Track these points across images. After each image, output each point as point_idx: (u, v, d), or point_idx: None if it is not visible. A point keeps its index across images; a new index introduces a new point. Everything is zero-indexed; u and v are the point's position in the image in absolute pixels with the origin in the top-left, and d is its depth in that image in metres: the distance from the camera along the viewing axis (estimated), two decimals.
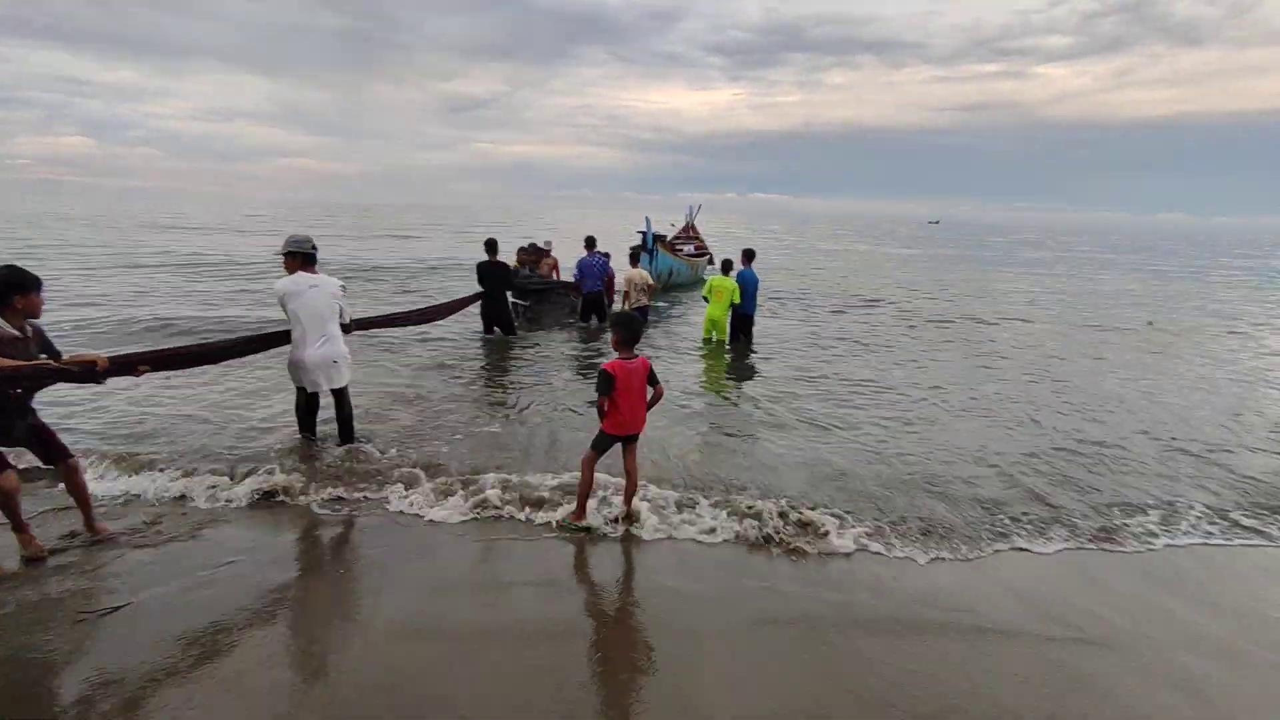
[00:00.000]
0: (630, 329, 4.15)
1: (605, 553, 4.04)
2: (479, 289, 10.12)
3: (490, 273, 10.12)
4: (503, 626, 3.23)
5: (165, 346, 5.90)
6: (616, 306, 11.23)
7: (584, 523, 4.24)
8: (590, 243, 11.59)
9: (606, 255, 11.57)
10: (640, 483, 4.50)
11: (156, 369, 4.84)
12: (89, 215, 40.32)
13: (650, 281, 11.17)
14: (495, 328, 10.27)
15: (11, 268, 3.57)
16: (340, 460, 5.17)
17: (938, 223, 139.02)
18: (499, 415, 6.53)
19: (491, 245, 10.26)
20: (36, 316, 3.66)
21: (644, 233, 14.29)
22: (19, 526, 3.70)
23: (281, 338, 5.44)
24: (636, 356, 4.15)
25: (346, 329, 5.41)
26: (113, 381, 4.53)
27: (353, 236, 33.96)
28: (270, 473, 4.77)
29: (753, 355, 9.66)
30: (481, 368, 8.55)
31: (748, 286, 10.02)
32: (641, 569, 3.88)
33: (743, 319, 10.21)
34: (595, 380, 4.19)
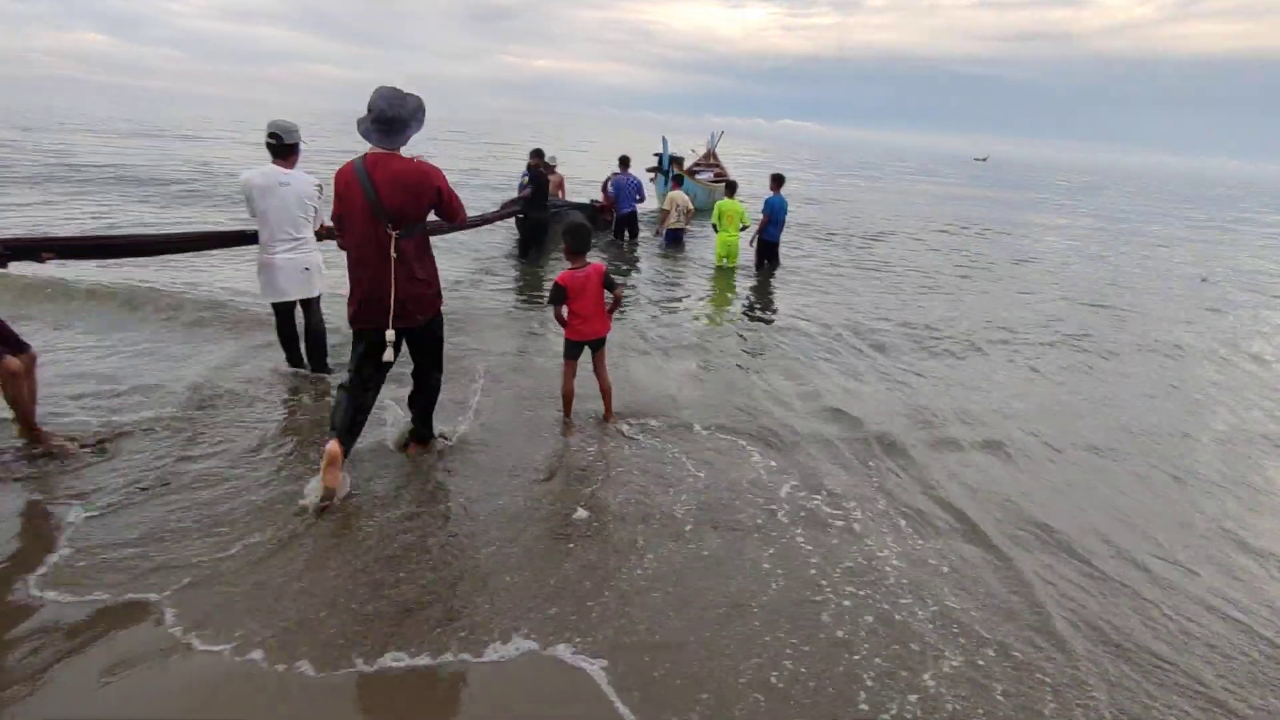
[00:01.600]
0: (578, 238, 4.32)
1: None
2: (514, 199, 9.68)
3: (538, 182, 9.80)
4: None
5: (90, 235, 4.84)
6: (625, 229, 11.56)
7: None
8: (624, 162, 11.76)
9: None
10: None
11: (67, 256, 4.26)
12: (113, 119, 39.61)
13: (690, 206, 11.28)
14: (531, 250, 9.81)
15: None
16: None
17: (985, 159, 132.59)
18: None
19: (538, 153, 10.24)
20: None
21: (660, 154, 14.07)
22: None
23: (235, 238, 4.93)
24: (587, 264, 4.32)
25: (319, 236, 4.79)
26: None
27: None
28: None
29: (772, 283, 9.66)
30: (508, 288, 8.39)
31: (776, 213, 10.00)
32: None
33: (767, 246, 10.22)
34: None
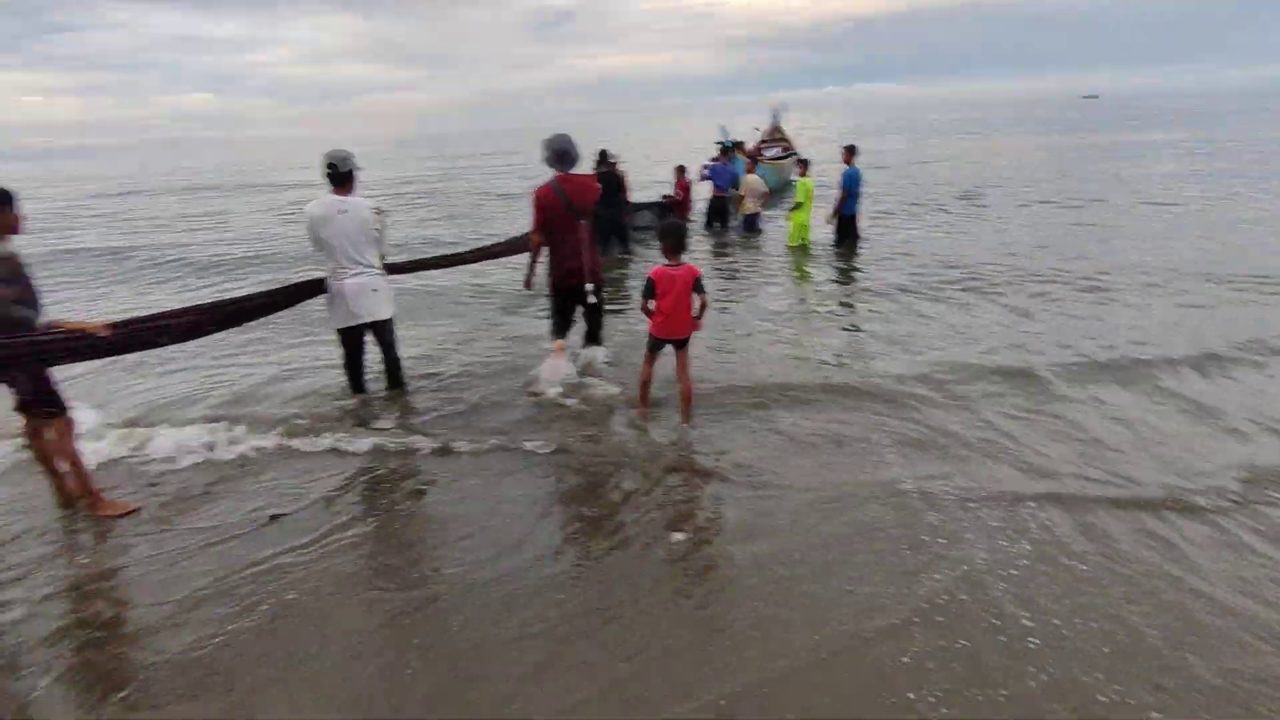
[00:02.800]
0: (675, 238, 4.38)
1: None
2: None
3: (606, 181, 9.83)
4: None
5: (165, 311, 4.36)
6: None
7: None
8: (724, 150, 12.68)
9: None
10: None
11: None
12: (201, 171, 43.11)
13: (764, 189, 11.03)
14: (613, 237, 9.90)
15: None
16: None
17: (1096, 98, 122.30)
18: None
19: (604, 156, 10.44)
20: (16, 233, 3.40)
21: (721, 142, 13.85)
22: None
23: (307, 289, 4.88)
24: (682, 264, 4.33)
25: (389, 268, 4.90)
26: None
27: (441, 164, 34.59)
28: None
29: (854, 263, 9.15)
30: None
31: (853, 185, 9.57)
32: None
33: (847, 221, 9.78)
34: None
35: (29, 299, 3.45)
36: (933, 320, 6.60)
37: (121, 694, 2.50)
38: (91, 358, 3.92)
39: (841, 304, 7.38)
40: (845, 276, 8.54)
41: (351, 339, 4.88)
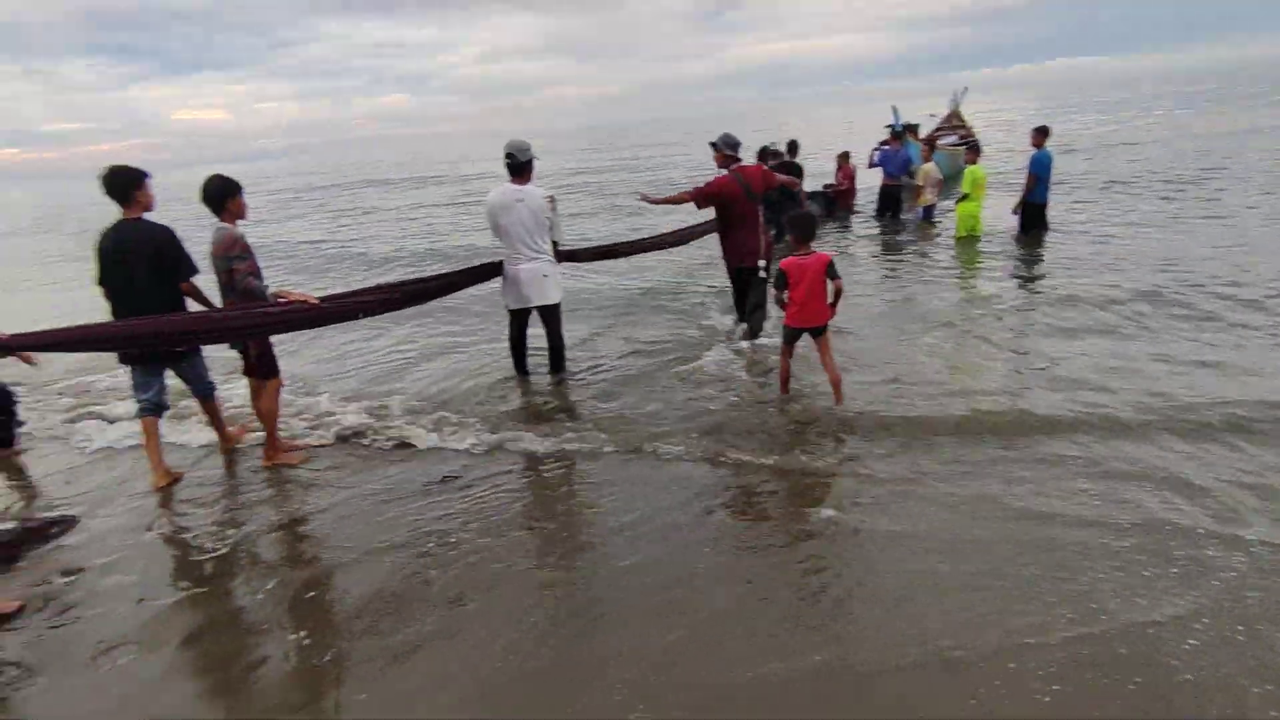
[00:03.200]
0: (802, 228, 4.48)
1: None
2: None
3: (791, 171, 10.06)
4: None
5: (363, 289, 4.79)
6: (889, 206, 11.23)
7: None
8: (896, 135, 12.11)
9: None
10: None
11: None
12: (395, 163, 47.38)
13: (940, 177, 10.66)
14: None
15: (220, 175, 3.98)
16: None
17: None
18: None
19: (793, 147, 10.65)
20: (244, 218, 4.03)
21: (892, 125, 13.13)
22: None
23: (484, 272, 5.14)
24: (812, 253, 4.41)
25: (560, 256, 5.10)
26: None
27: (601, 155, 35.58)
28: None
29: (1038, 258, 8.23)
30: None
31: (1044, 170, 8.70)
32: None
33: (1035, 209, 8.95)
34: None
35: (257, 272, 4.00)
36: (1132, 340, 5.34)
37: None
38: (307, 328, 4.46)
39: (1017, 309, 6.31)
40: (1026, 276, 7.53)
41: (518, 320, 5.17)
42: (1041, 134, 8.72)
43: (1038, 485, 3.42)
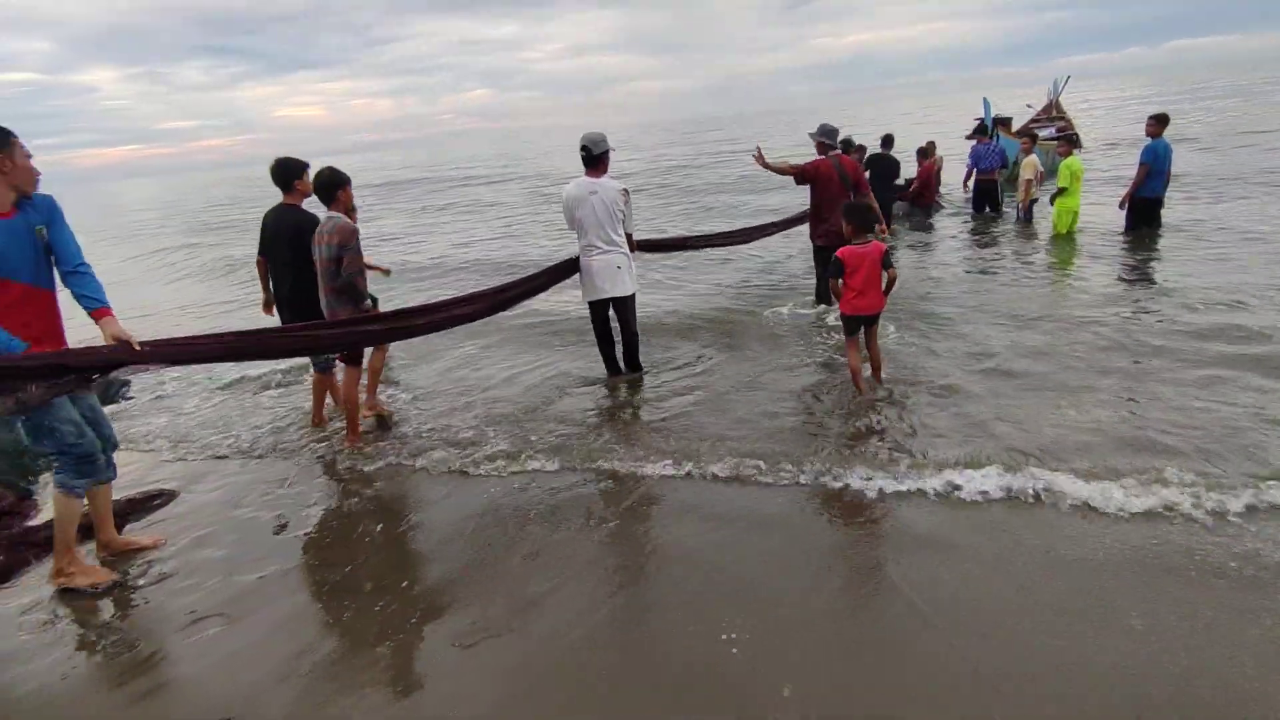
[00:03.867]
0: (861, 218, 4.60)
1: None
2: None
3: (887, 165, 10.15)
4: None
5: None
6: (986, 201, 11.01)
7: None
8: (983, 130, 11.80)
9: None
10: None
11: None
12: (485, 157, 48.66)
13: (1042, 169, 10.10)
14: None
15: (330, 168, 4.39)
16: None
17: None
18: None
19: (888, 140, 10.68)
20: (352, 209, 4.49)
21: (982, 118, 12.59)
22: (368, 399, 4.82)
23: (563, 270, 5.19)
24: (869, 242, 4.52)
25: (632, 246, 5.10)
26: None
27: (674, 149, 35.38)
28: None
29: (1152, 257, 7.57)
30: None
31: (1160, 162, 8.02)
32: None
33: (1147, 204, 8.29)
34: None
35: (363, 271, 4.33)
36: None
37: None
38: (406, 338, 4.85)
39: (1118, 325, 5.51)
40: (1135, 280, 6.83)
41: (598, 313, 5.17)
42: (1159, 123, 8.04)
43: None
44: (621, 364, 5.33)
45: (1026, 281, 7.11)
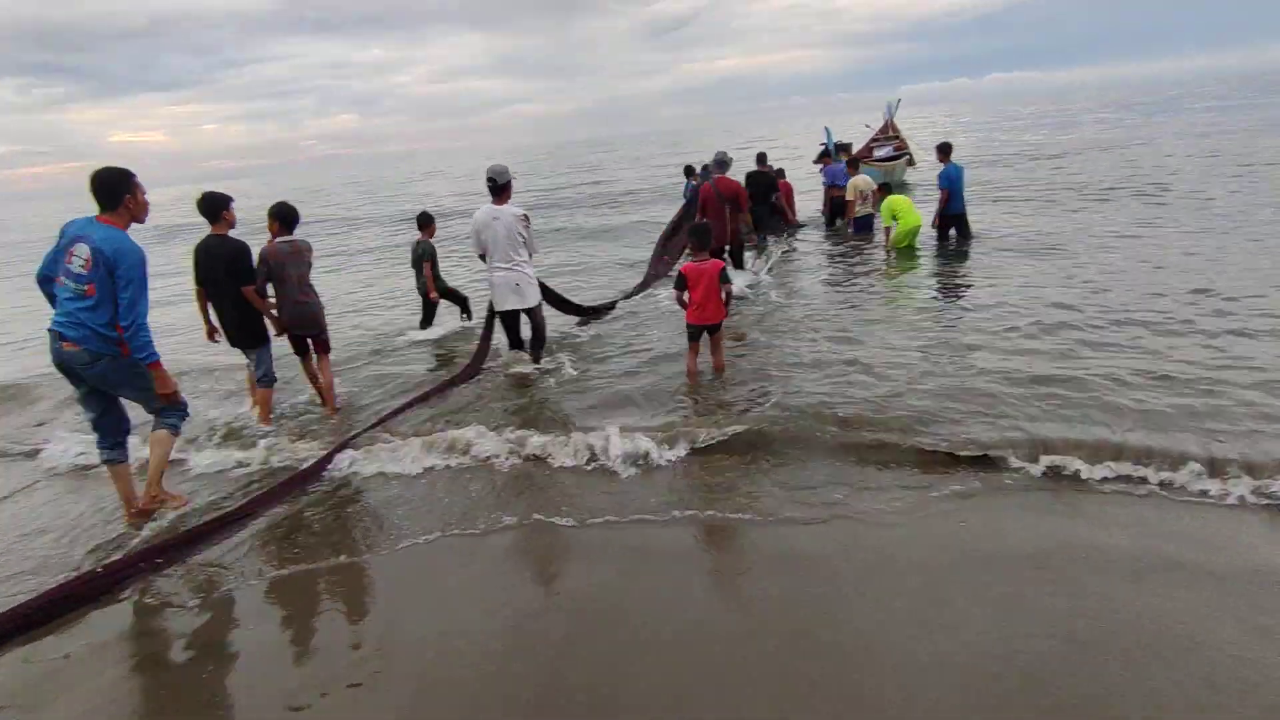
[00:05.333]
0: (699, 238, 5.08)
1: None
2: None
3: (761, 181, 10.82)
4: None
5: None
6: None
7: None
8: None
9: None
10: None
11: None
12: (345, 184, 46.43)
13: (873, 187, 11.00)
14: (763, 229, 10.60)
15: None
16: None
17: None
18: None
19: (761, 158, 11.40)
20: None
21: (825, 144, 14.05)
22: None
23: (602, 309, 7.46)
24: (708, 260, 4.98)
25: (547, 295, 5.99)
26: None
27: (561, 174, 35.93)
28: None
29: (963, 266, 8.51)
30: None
31: (954, 183, 9.14)
32: None
33: (955, 219, 9.37)
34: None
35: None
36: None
37: None
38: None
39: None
40: (949, 283, 7.83)
41: (506, 319, 5.90)
42: (944, 151, 9.25)
43: None
44: (528, 350, 6.02)
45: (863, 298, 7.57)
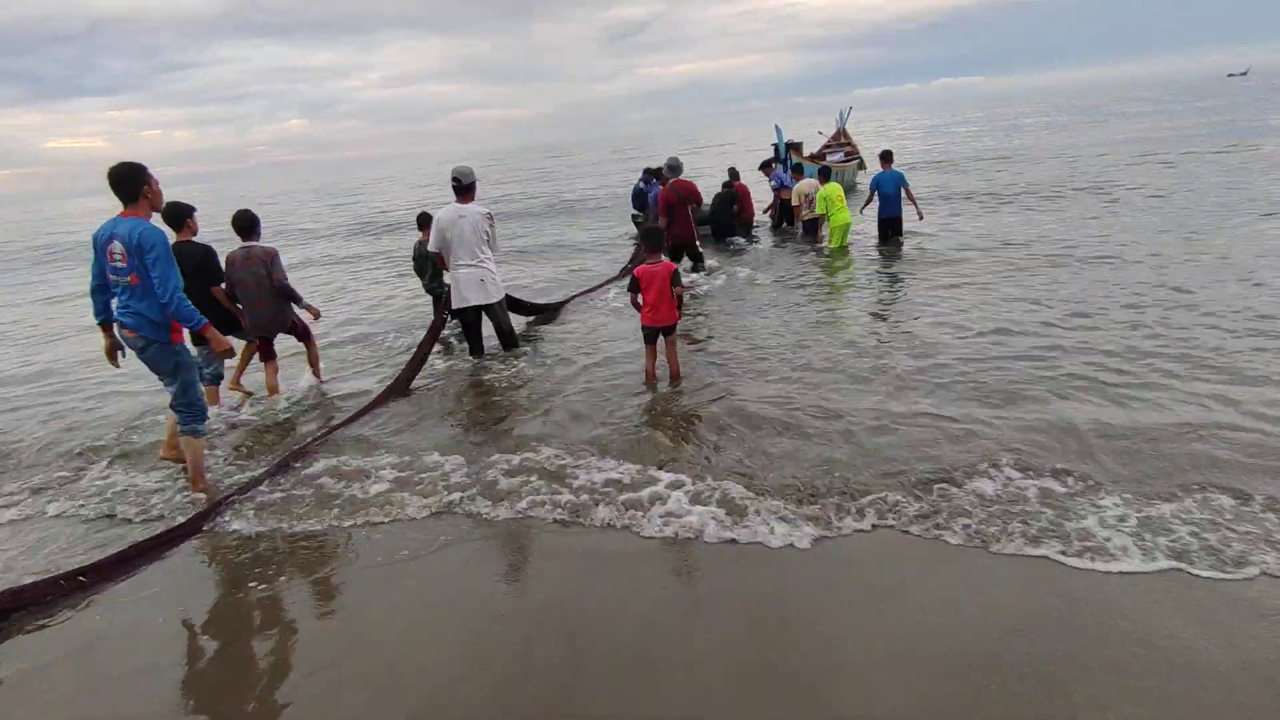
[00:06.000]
0: (652, 240, 5.14)
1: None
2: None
3: (727, 196, 11.47)
4: None
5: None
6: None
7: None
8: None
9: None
10: None
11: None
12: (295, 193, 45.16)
13: (804, 194, 10.86)
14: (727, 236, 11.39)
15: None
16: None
17: (1245, 74, 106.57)
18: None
19: (733, 173, 12.13)
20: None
21: (776, 144, 14.10)
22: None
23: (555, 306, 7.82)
24: (660, 262, 4.99)
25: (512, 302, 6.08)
26: None
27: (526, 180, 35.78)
28: None
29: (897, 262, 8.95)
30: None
31: (884, 186, 9.58)
32: None
33: (889, 222, 9.79)
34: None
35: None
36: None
37: None
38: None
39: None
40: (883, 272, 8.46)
41: (465, 316, 5.98)
42: (885, 158, 9.77)
43: None
44: (500, 346, 6.20)
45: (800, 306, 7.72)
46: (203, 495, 4.08)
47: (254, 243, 5.44)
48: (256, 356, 5.75)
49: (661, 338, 5.12)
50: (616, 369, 5.69)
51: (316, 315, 5.76)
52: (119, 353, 4.02)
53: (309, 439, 4.71)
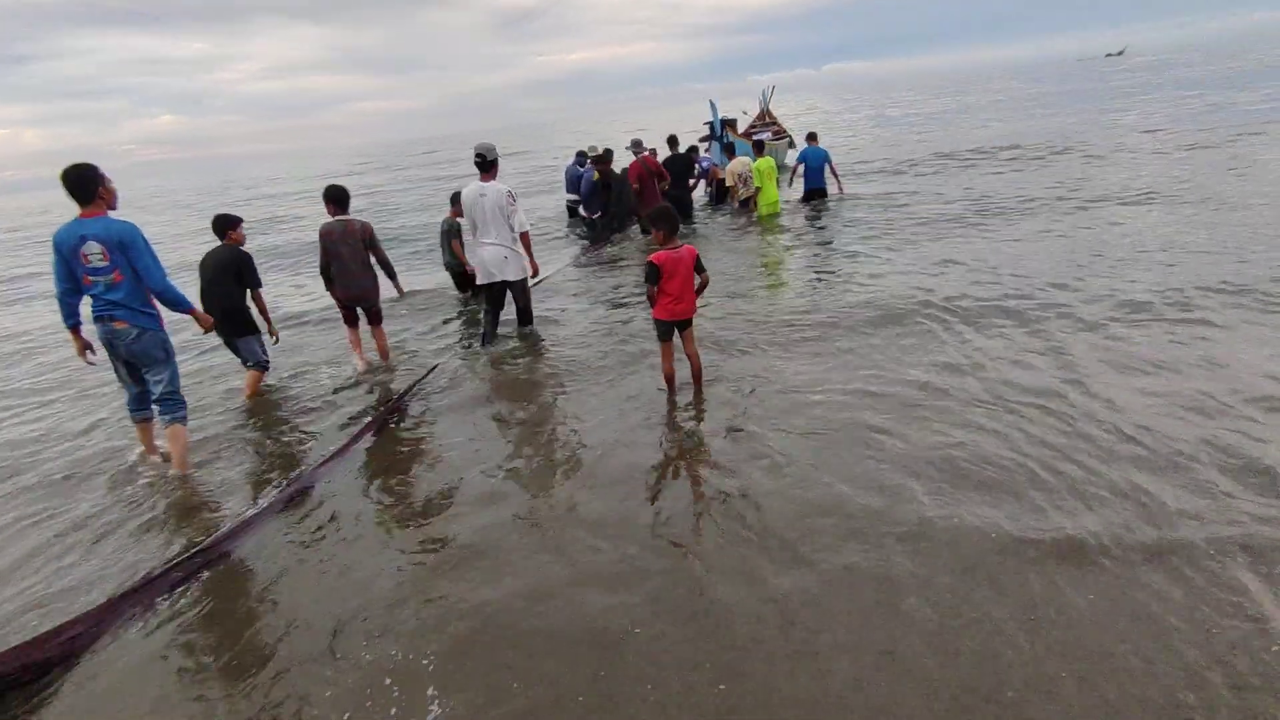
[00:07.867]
0: (670, 222, 4.33)
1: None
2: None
3: (680, 163, 11.02)
4: None
5: None
6: (694, 199, 11.79)
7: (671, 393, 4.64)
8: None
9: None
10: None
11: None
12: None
13: (738, 172, 11.15)
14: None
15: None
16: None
17: (1120, 53, 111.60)
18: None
19: (673, 140, 11.58)
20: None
21: (711, 122, 13.97)
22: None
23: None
24: (681, 246, 4.34)
25: (527, 242, 5.89)
26: None
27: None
28: None
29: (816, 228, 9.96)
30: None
31: (809, 161, 11.34)
32: None
33: (814, 191, 11.50)
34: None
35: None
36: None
37: None
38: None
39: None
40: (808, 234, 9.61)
41: (491, 293, 6.08)
42: (809, 138, 11.65)
43: None
44: (518, 324, 6.30)
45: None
46: (190, 473, 4.26)
47: (349, 216, 5.69)
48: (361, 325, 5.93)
49: (677, 332, 4.51)
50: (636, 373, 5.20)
51: (401, 294, 6.88)
52: (89, 351, 4.16)
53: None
